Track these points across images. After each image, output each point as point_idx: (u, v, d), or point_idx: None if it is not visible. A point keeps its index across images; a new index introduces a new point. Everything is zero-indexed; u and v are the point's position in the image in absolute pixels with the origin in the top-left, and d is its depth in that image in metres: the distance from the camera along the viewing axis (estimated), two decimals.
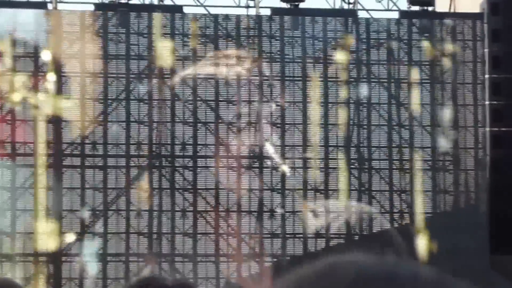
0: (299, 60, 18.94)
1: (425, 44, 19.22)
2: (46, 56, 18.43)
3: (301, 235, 18.39)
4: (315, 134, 18.68)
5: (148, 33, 18.84)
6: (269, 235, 18.38)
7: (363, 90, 18.96)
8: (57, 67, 18.45)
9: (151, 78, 18.63)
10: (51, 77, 18.43)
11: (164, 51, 18.61)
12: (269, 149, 17.88)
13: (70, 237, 17.67)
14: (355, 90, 18.95)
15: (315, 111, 18.76)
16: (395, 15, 19.59)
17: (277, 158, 17.92)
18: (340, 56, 18.78)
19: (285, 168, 17.96)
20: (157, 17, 18.71)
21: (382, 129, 18.94)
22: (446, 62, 18.96)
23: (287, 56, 18.93)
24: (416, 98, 19.05)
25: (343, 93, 18.89)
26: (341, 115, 18.82)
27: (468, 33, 19.27)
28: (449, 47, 19.07)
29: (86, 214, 18.17)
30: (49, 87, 18.39)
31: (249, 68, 18.65)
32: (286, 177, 18.56)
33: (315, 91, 18.83)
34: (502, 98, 19.37)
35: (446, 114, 19.01)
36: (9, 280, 3.22)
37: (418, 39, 19.27)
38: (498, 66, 19.61)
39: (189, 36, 18.82)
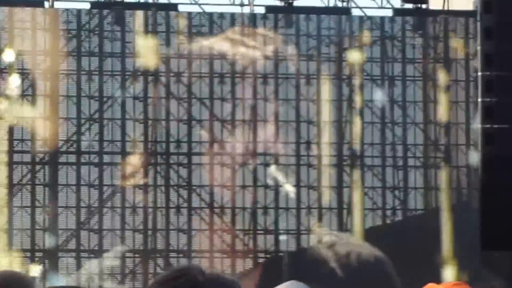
0: (293, 58, 18.68)
1: (418, 41, 18.92)
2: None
3: (294, 231, 18.14)
4: (308, 131, 18.43)
5: (145, 31, 18.59)
6: (263, 231, 18.13)
7: (357, 87, 18.70)
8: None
9: (146, 76, 18.37)
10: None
11: (152, 49, 18.32)
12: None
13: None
14: (348, 88, 18.70)
15: (308, 109, 18.52)
16: (388, 12, 19.31)
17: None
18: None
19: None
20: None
21: (375, 126, 18.68)
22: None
23: (281, 54, 18.67)
24: (409, 95, 18.78)
25: (337, 91, 18.61)
26: (334, 112, 18.57)
27: (461, 31, 18.96)
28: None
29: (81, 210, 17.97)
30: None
31: (244, 66, 18.40)
32: (279, 172, 18.30)
33: (308, 89, 18.60)
34: (494, 95, 19.00)
35: (438, 111, 18.73)
36: (20, 273, 3.03)
37: (411, 36, 18.98)
38: (490, 64, 19.23)
39: (185, 33, 18.53)
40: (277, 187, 18.34)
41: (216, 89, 18.48)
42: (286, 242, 18.18)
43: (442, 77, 18.86)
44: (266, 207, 18.27)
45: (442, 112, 18.79)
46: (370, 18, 19.04)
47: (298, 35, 18.75)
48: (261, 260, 18.16)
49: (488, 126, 18.45)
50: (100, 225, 18.01)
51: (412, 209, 18.62)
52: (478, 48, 19.19)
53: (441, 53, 18.89)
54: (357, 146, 18.62)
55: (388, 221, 18.47)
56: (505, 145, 19.30)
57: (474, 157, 18.65)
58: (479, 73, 19.21)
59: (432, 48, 18.91)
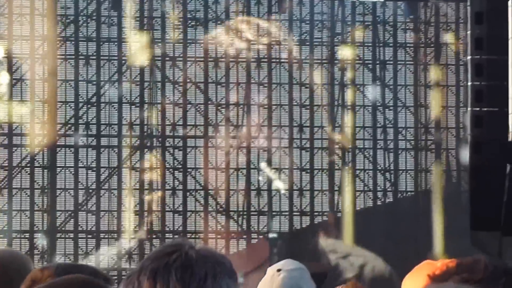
0: (286, 43, 18.45)
1: (410, 26, 18.69)
2: None
3: (287, 213, 17.95)
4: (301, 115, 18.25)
5: (140, 16, 18.34)
6: (256, 213, 17.94)
7: (348, 72, 18.49)
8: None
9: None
10: None
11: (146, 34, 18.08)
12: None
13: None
14: (340, 72, 18.49)
15: (301, 93, 18.34)
16: None
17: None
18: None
19: (280, 185, 17.49)
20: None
21: (366, 110, 18.48)
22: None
23: (274, 39, 18.44)
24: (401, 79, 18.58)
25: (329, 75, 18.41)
26: (327, 96, 18.38)
27: (452, 16, 18.73)
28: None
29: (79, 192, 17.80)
30: None
31: (238, 51, 18.16)
32: (272, 156, 18.10)
33: (301, 73, 18.40)
34: (484, 79, 18.69)
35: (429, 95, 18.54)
36: (18, 252, 2.90)
37: (403, 21, 18.74)
38: (480, 48, 18.90)
39: (180, 18, 18.26)
40: (270, 170, 18.13)
41: (211, 74, 18.27)
42: (279, 224, 17.99)
43: (432, 60, 18.64)
44: (260, 189, 18.08)
45: (432, 96, 18.59)
46: (362, 3, 18.79)
47: (291, 20, 18.52)
48: (254, 241, 17.99)
49: (477, 109, 18.25)
50: (97, 206, 17.84)
51: (403, 191, 18.43)
52: (468, 32, 18.97)
53: (432, 37, 18.66)
54: (348, 129, 18.42)
55: (378, 203, 18.27)
56: (494, 128, 19.14)
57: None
58: (469, 57, 19.01)
59: (423, 32, 18.68)
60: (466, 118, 18.40)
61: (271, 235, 17.60)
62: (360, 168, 18.24)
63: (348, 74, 18.41)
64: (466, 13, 18.63)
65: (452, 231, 17.65)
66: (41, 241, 17.55)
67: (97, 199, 17.79)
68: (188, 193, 17.92)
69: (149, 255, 2.01)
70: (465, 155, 18.30)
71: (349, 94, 18.30)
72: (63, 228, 17.70)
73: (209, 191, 17.92)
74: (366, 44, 18.58)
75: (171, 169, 18.02)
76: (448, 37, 18.67)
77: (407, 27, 18.73)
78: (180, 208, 17.88)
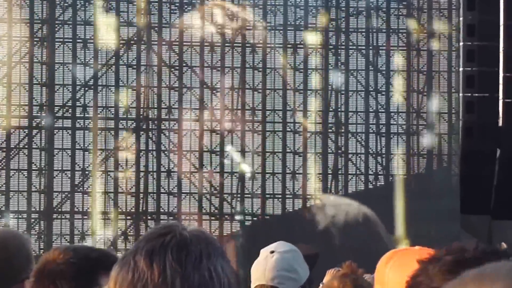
0: (281, 28, 18.35)
1: (403, 12, 18.59)
2: None
3: (280, 196, 17.89)
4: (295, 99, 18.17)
5: (137, 0, 18.23)
6: (250, 195, 17.88)
7: (342, 57, 18.40)
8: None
9: (139, 44, 18.02)
10: None
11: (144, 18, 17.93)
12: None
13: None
14: (333, 57, 18.40)
15: (295, 77, 18.26)
16: None
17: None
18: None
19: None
20: None
21: (359, 95, 18.40)
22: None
23: (269, 24, 18.34)
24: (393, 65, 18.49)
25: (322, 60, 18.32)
26: (321, 81, 18.30)
27: (444, 2, 18.63)
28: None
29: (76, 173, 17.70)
30: None
31: (233, 35, 18.04)
32: (266, 140, 18.03)
33: (295, 57, 18.30)
34: (476, 65, 18.62)
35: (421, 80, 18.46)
36: (17, 232, 2.88)
37: (396, 7, 18.63)
38: (472, 34, 18.82)
39: (176, 3, 18.14)
40: (264, 154, 18.07)
41: (206, 58, 18.17)
42: (272, 206, 17.94)
43: (425, 47, 18.55)
44: (254, 172, 18.01)
45: (424, 81, 18.51)
46: None
47: (286, 5, 18.40)
48: (248, 223, 17.93)
49: (469, 94, 18.16)
50: (93, 188, 17.75)
51: (394, 174, 18.38)
52: (461, 18, 18.86)
53: (424, 23, 18.56)
54: (342, 114, 18.35)
55: (370, 186, 18.21)
56: (485, 113, 19.05)
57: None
58: (461, 43, 18.91)
59: (416, 18, 18.58)
60: (458, 103, 18.35)
61: (238, 217, 17.55)
62: (353, 152, 18.20)
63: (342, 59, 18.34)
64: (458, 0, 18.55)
65: (442, 213, 17.63)
66: (37, 221, 17.50)
67: (93, 181, 17.72)
68: (182, 175, 17.87)
69: (143, 237, 1.99)
70: (456, 139, 18.26)
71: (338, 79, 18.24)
72: (59, 209, 17.63)
73: (204, 174, 17.86)
74: (360, 30, 18.48)
75: (166, 152, 17.96)
76: (440, 23, 18.59)
77: (400, 13, 18.63)
78: (175, 190, 17.84)
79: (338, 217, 17.00)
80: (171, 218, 17.73)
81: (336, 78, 18.23)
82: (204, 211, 17.79)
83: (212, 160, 17.92)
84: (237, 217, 17.53)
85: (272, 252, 3.94)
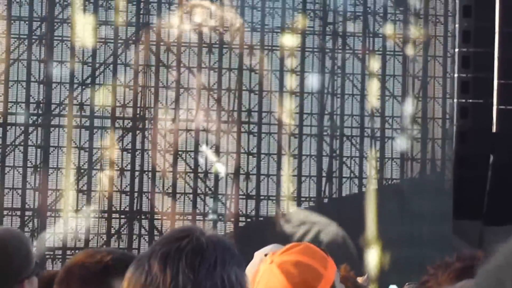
0: (278, 31, 18.36)
1: (399, 17, 18.62)
2: None
3: (274, 197, 17.89)
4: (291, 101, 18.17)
5: (137, 1, 18.23)
6: (244, 196, 17.87)
7: (338, 61, 18.41)
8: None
9: (138, 44, 18.02)
10: None
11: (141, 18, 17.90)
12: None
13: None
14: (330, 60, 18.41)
15: (291, 80, 18.27)
16: None
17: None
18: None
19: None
20: None
21: (355, 99, 18.42)
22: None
23: (267, 26, 18.35)
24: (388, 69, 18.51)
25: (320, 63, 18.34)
26: (317, 83, 18.32)
27: (440, 9, 18.65)
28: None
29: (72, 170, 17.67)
30: None
31: (232, 37, 18.04)
32: (261, 141, 18.03)
33: (292, 61, 18.30)
34: (471, 71, 18.67)
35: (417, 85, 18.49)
36: (17, 231, 3.06)
37: (393, 12, 18.66)
38: (468, 41, 18.88)
39: (175, 4, 18.13)
40: (259, 155, 18.06)
41: (204, 59, 18.16)
42: (266, 207, 17.93)
43: (421, 52, 18.57)
44: (248, 173, 18.00)
45: (419, 86, 18.53)
46: None
47: (284, 8, 18.41)
48: (241, 224, 17.92)
49: (463, 100, 18.15)
50: (88, 186, 17.72)
51: (388, 178, 18.38)
52: (457, 25, 18.87)
53: (421, 29, 18.58)
54: (337, 117, 18.36)
55: (363, 189, 18.21)
56: (479, 119, 19.06)
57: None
58: (457, 49, 18.90)
59: (413, 24, 18.60)
60: (452, 109, 18.35)
61: (211, 216, 17.53)
62: (347, 155, 18.20)
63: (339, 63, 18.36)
64: (454, 6, 18.55)
65: (434, 218, 17.63)
66: (31, 218, 17.47)
67: (88, 179, 17.69)
68: (178, 175, 17.85)
69: (160, 239, 1.97)
70: (450, 144, 18.26)
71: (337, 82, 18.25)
72: (53, 207, 17.60)
73: (199, 174, 17.85)
74: (356, 34, 18.49)
75: (161, 151, 17.94)
76: (436, 30, 18.61)
77: (397, 19, 18.65)
78: (170, 190, 17.81)
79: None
80: (164, 218, 17.72)
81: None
82: (198, 211, 17.77)
83: (207, 161, 17.92)
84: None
85: (266, 255, 3.92)
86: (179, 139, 17.97)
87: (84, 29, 17.98)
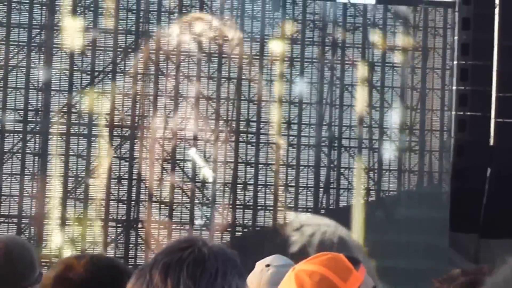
0: (279, 41, 18.41)
1: (399, 29, 18.67)
2: None
3: (272, 207, 17.90)
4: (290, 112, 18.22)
5: (137, 9, 18.26)
6: (241, 207, 17.88)
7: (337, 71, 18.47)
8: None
9: (137, 52, 18.06)
10: None
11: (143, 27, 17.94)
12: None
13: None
14: (329, 71, 18.46)
15: (291, 90, 18.32)
16: (372, 0, 19.01)
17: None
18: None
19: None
20: None
21: (353, 109, 18.46)
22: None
23: (267, 36, 18.41)
24: (387, 81, 18.55)
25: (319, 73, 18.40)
26: (315, 94, 18.35)
27: (439, 21, 18.71)
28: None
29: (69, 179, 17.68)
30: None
31: (231, 47, 18.10)
32: (260, 151, 18.05)
33: (292, 71, 18.35)
34: (469, 83, 18.72)
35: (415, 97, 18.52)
36: (21, 239, 2.89)
37: (392, 24, 18.72)
38: (466, 53, 18.95)
39: (176, 12, 18.19)
40: (257, 165, 18.08)
41: (203, 68, 18.20)
42: (263, 218, 17.94)
43: (419, 64, 18.63)
44: (246, 183, 18.02)
45: (418, 98, 18.58)
46: (353, 5, 18.74)
47: (284, 18, 18.47)
48: (238, 234, 17.93)
49: (461, 113, 18.20)
50: (86, 194, 17.73)
51: (385, 190, 18.40)
52: (455, 38, 18.93)
53: (420, 41, 18.64)
54: (335, 128, 18.39)
55: (361, 201, 18.23)
56: (477, 131, 19.09)
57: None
58: (455, 62, 18.96)
59: (412, 36, 18.66)
60: (450, 121, 18.40)
61: (197, 222, 17.53)
62: (345, 166, 18.23)
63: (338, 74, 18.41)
64: (453, 18, 18.61)
65: (431, 231, 17.65)
66: (28, 226, 17.47)
67: (86, 187, 17.70)
68: (175, 185, 17.86)
69: (163, 249, 1.99)
70: (447, 157, 18.30)
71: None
72: (51, 215, 17.61)
73: (196, 184, 17.86)
74: (356, 45, 18.54)
75: (159, 160, 17.96)
76: (435, 42, 18.65)
77: (396, 31, 18.71)
78: (167, 199, 17.83)
79: (315, 237, 16.99)
80: (161, 227, 17.73)
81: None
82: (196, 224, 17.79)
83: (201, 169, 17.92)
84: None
85: (267, 265, 3.93)
86: (176, 148, 18.00)
87: (83, 36, 18.03)
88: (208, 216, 17.76)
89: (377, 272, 17.49)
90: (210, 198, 17.86)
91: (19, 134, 17.83)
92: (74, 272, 2.65)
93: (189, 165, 17.79)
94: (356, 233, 17.82)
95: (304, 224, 17.13)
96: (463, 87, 18.35)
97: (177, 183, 17.84)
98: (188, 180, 17.89)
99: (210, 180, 17.60)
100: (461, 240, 17.61)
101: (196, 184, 17.88)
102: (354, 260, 2.72)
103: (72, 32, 18.03)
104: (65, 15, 18.04)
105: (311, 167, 18.19)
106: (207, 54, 18.05)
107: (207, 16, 17.98)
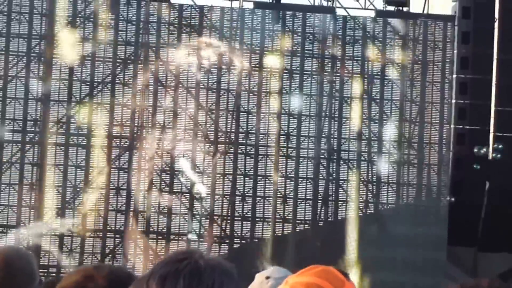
0: (278, 53, 18.45)
1: (398, 43, 18.71)
2: None
3: (270, 219, 17.88)
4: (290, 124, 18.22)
5: (137, 20, 18.30)
6: (240, 218, 17.86)
7: (336, 84, 18.49)
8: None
9: (136, 64, 18.08)
10: None
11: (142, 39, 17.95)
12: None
13: None
14: (328, 83, 18.49)
15: (291, 102, 18.33)
16: (371, 13, 19.08)
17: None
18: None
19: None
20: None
21: (352, 122, 18.47)
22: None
23: (267, 48, 18.44)
24: (386, 94, 18.57)
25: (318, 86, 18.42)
26: (315, 106, 18.37)
27: (439, 34, 18.74)
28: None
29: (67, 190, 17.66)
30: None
31: (230, 58, 18.12)
32: (259, 163, 18.06)
33: (291, 83, 18.39)
34: (468, 97, 18.77)
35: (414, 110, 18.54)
36: (22, 249, 2.89)
37: (392, 37, 18.75)
38: (465, 67, 19.02)
39: (175, 25, 18.24)
40: (256, 177, 18.07)
41: (202, 79, 18.21)
42: (262, 229, 17.93)
43: (419, 78, 18.65)
44: (244, 195, 18.01)
45: (417, 111, 18.58)
46: (353, 18, 18.78)
47: (284, 31, 18.50)
48: (236, 246, 17.90)
49: (460, 126, 18.24)
50: (85, 205, 17.71)
51: (384, 203, 18.40)
52: (455, 51, 18.97)
53: (419, 54, 18.66)
54: (334, 140, 18.39)
55: (360, 213, 18.23)
56: (475, 145, 19.12)
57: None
58: (454, 76, 18.99)
59: (411, 49, 18.68)
60: (449, 135, 18.41)
61: (190, 235, 17.51)
62: (344, 178, 18.22)
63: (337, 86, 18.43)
64: (453, 32, 18.65)
65: (428, 244, 17.63)
66: (26, 236, 17.45)
67: (85, 198, 17.68)
68: (174, 195, 17.85)
69: (161, 260, 2.01)
70: (446, 170, 18.30)
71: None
72: (49, 225, 17.58)
73: (195, 195, 17.86)
74: (356, 58, 18.56)
75: (158, 171, 17.96)
76: (435, 55, 18.67)
77: (396, 44, 18.73)
78: (166, 210, 17.81)
79: None
80: (160, 237, 17.71)
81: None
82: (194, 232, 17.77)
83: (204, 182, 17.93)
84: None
85: (267, 277, 3.94)
86: (174, 160, 18.01)
87: (83, 47, 18.06)
88: (205, 227, 17.76)
89: (375, 286, 17.47)
90: (208, 210, 17.85)
91: (18, 144, 17.82)
92: (95, 282, 2.65)
93: (186, 176, 17.80)
94: (353, 245, 17.82)
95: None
96: (462, 101, 18.39)
97: (175, 195, 17.84)
98: (187, 191, 17.89)
99: (203, 194, 17.59)
100: (460, 253, 17.61)
101: (195, 195, 17.88)
102: (344, 273, 2.76)
103: (72, 43, 18.06)
104: (65, 26, 18.07)
105: (309, 179, 18.19)
106: (207, 66, 18.08)
107: (208, 41, 18.02)
